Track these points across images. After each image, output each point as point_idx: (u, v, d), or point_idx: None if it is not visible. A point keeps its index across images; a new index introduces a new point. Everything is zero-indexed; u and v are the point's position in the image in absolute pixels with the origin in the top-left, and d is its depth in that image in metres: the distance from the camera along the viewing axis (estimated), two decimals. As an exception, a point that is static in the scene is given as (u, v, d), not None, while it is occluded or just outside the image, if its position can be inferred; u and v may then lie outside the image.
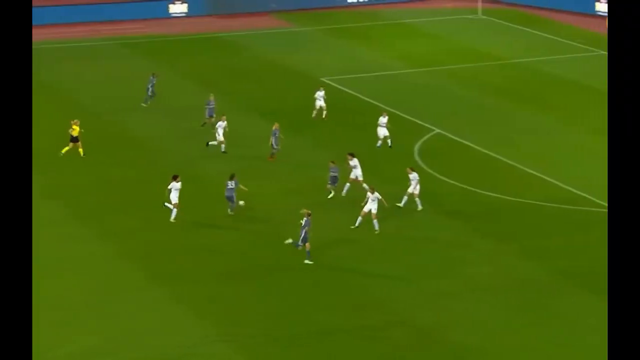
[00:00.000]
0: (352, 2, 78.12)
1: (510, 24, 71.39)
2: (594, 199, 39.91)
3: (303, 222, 34.28)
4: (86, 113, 49.28)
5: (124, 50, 64.48)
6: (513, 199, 40.16)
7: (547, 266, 34.41)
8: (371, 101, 53.15)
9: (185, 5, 73.98)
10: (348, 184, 40.07)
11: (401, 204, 38.67)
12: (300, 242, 34.38)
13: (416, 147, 46.03)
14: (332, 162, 40.12)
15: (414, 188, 38.62)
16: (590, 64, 61.39)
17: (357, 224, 37.13)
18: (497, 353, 29.26)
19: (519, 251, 35.55)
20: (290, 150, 44.84)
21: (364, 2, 78.30)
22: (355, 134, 47.35)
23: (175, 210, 37.76)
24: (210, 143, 44.96)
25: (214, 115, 47.21)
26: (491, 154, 45.35)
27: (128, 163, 44.39)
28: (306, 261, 34.31)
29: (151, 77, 51.91)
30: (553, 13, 74.07)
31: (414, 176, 38.72)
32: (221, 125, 44.99)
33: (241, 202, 38.55)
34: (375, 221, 36.81)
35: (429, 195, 40.47)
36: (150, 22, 71.49)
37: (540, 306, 31.75)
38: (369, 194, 37.18)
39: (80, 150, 44.36)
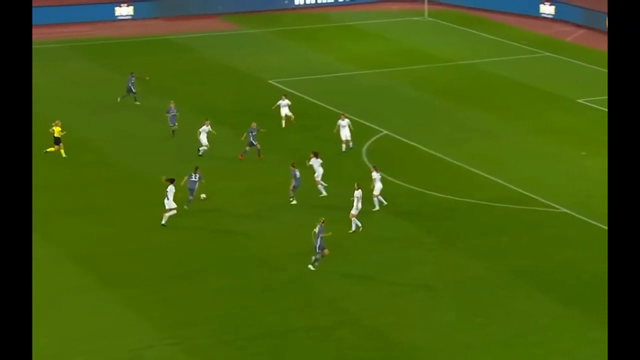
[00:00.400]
0: (300, 5, 78.18)
1: (456, 26, 71.91)
2: (540, 199, 40.34)
3: (317, 230, 33.80)
4: (35, 115, 48.76)
5: (71, 53, 64.02)
6: (461, 199, 40.47)
7: (496, 266, 34.71)
8: (319, 103, 53.25)
9: (132, 7, 73.58)
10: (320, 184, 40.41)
11: (375, 208, 38.84)
12: (318, 251, 33.81)
13: (364, 149, 46.21)
14: (293, 165, 40.00)
15: (375, 188, 38.81)
16: (534, 65, 62.04)
17: (354, 229, 37.02)
18: (447, 353, 29.43)
19: (468, 251, 35.82)
20: (238, 151, 44.82)
21: (311, 4, 78.40)
22: (302, 135, 47.40)
23: (170, 213, 37.51)
24: (201, 149, 44.62)
25: (176, 123, 46.88)
26: (438, 154, 45.66)
27: (77, 164, 44.11)
28: (310, 267, 33.96)
29: (130, 77, 52.26)
30: (498, 15, 74.70)
31: (376, 175, 38.90)
32: (205, 130, 44.65)
33: (203, 195, 38.49)
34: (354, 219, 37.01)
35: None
36: (96, 24, 71.01)
37: (490, 306, 32.01)
38: (355, 192, 37.14)
39: (62, 151, 44.28)
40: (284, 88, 56.07)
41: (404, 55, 64.15)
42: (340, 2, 79.11)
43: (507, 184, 41.91)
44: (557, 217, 38.89)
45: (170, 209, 37.55)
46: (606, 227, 37.72)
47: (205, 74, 59.32)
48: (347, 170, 43.17)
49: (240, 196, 40.65)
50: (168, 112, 47.27)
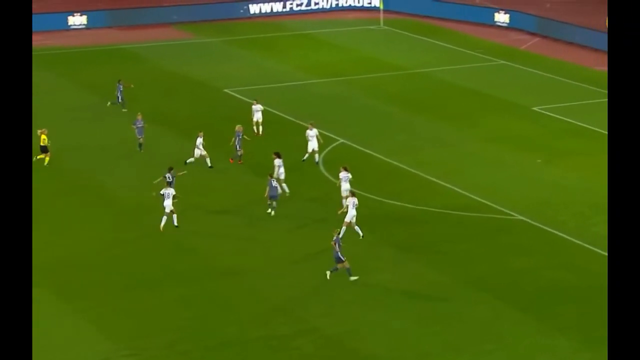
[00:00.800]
0: (255, 13, 78.24)
1: (411, 35, 72.31)
2: (496, 206, 40.61)
3: (334, 242, 33.67)
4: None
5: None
6: (417, 207, 40.65)
7: (453, 273, 34.88)
8: (275, 112, 53.25)
9: (85, 17, 73.22)
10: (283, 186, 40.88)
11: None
12: (336, 266, 33.73)
13: (320, 157, 46.28)
14: (270, 174, 40.06)
15: (342, 189, 39.25)
16: (490, 73, 62.53)
17: (361, 234, 37.24)
18: (404, 360, 29.58)
19: (425, 259, 35.97)
20: (196, 160, 44.74)
21: (266, 13, 78.48)
22: (259, 144, 47.35)
23: (173, 217, 38.04)
24: (188, 161, 44.31)
25: (143, 135, 46.51)
26: (395, 162, 45.85)
27: (34, 175, 43.68)
28: (352, 278, 33.78)
29: (118, 85, 52.52)
30: (453, 23, 75.25)
31: (344, 175, 39.40)
32: (200, 142, 44.20)
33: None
34: (357, 227, 37.13)
35: (335, 204, 40.78)
36: (49, 34, 70.57)
37: (447, 313, 32.16)
38: (349, 199, 37.24)
39: (47, 159, 44.27)
40: (240, 97, 56.13)
41: (360, 63, 64.41)
42: (295, 10, 79.28)
43: (463, 192, 42.17)
44: (514, 224, 39.18)
45: (170, 212, 38.07)
46: (561, 234, 38.12)
47: (160, 84, 59.16)
48: (305, 178, 43.22)
49: (197, 207, 40.51)
50: (135, 124, 46.73)
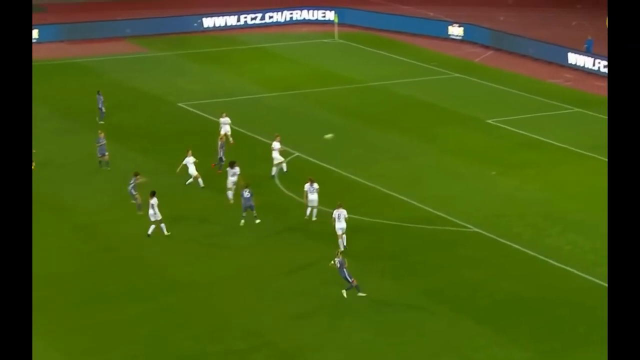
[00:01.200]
0: (209, 27, 78.22)
1: (366, 48, 72.66)
2: (452, 219, 40.87)
3: (337, 263, 33.66)
4: None
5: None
6: (373, 220, 40.82)
7: (409, 286, 35.04)
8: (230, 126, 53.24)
9: (36, 31, 72.75)
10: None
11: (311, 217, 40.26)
12: (349, 284, 33.65)
13: (276, 171, 46.32)
14: (246, 185, 40.39)
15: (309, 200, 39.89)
16: (444, 86, 62.98)
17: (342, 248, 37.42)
18: (361, 373, 29.68)
19: (381, 271, 36.12)
20: (153, 174, 44.51)
21: (220, 27, 78.49)
22: (214, 159, 47.29)
23: (161, 225, 38.58)
24: (188, 182, 43.97)
25: (106, 153, 46.20)
26: (351, 176, 46.02)
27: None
28: (360, 294, 33.75)
29: (98, 96, 52.82)
30: (408, 37, 75.73)
31: (308, 187, 39.87)
32: (189, 161, 43.71)
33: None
34: (344, 237, 37.57)
35: (290, 218, 40.91)
36: (0, 48, 70.00)
37: (404, 326, 32.29)
38: (335, 210, 37.65)
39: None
40: (194, 111, 56.10)
41: (315, 77, 64.61)
42: (250, 24, 79.37)
43: (419, 204, 42.41)
44: (469, 236, 39.46)
45: (157, 220, 38.40)
46: (516, 246, 38.45)
47: (115, 98, 58.88)
48: (259, 192, 43.27)
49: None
50: (97, 142, 46.42)
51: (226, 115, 49.80)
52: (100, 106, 53.13)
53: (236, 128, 52.62)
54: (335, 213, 37.81)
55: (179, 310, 33.31)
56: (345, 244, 37.60)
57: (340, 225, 37.69)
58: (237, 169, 42.47)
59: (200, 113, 55.92)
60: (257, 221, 40.05)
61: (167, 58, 69.31)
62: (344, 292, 33.80)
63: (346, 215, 37.68)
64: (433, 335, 31.70)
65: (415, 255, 37.66)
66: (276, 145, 45.50)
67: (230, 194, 42.31)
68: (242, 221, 40.07)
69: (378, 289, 34.68)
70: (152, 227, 38.64)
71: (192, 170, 43.76)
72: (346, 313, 33.01)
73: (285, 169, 45.73)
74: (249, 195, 39.94)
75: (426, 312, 33.12)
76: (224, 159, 45.52)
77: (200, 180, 43.69)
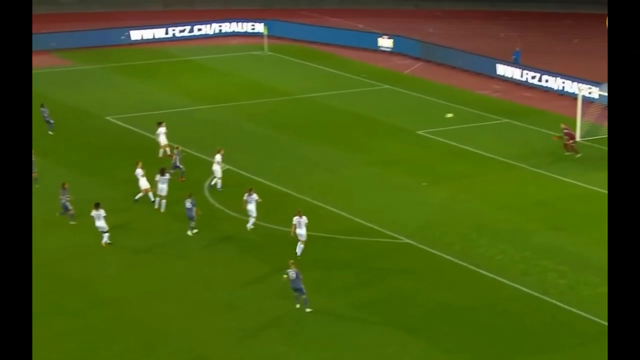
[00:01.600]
0: (137, 40, 77.85)
1: (296, 60, 72.89)
2: (383, 230, 41.11)
3: (291, 274, 33.44)
4: None
5: None
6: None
7: (341, 298, 35.16)
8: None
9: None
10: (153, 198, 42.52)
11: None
12: (304, 298, 33.61)
13: (206, 184, 46.28)
14: (190, 195, 40.63)
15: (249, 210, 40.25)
16: (374, 97, 63.39)
17: (299, 253, 37.79)
18: (294, 386, 29.69)
19: (313, 284, 36.12)
20: (81, 190, 44.09)
21: (149, 39, 78.16)
22: (146, 172, 47.04)
23: (105, 235, 38.98)
24: (137, 197, 43.69)
25: (35, 169, 45.71)
26: (281, 188, 46.08)
27: None
28: (307, 310, 33.69)
29: (42, 109, 53.00)
30: (338, 49, 76.12)
31: (247, 197, 40.25)
32: (139, 173, 43.31)
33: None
34: (302, 246, 37.78)
35: (219, 232, 40.84)
36: None
37: (337, 338, 32.37)
38: (296, 217, 37.85)
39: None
40: (123, 124, 55.76)
41: (245, 89, 64.64)
42: (178, 37, 79.16)
43: (350, 216, 42.60)
44: (401, 247, 39.73)
45: (105, 230, 38.83)
46: (447, 256, 38.80)
47: (40, 112, 58.28)
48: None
49: (86, 235, 40.06)
50: None
51: (164, 125, 49.78)
52: (46, 118, 53.16)
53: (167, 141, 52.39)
54: (296, 219, 38.05)
55: (109, 326, 33.03)
56: (300, 252, 37.89)
57: (301, 232, 37.93)
58: (167, 176, 42.80)
59: (129, 127, 55.61)
60: (195, 231, 40.19)
61: (94, 71, 68.82)
62: (306, 308, 33.73)
63: (306, 222, 38.00)
64: (366, 347, 31.83)
65: (347, 267, 37.79)
66: (218, 158, 45.55)
67: (157, 201, 42.81)
68: (189, 232, 40.23)
69: (310, 302, 34.70)
70: (106, 236, 39.03)
71: (143, 183, 43.44)
72: (279, 327, 33.02)
73: (219, 186, 45.55)
74: (190, 206, 39.96)
75: (358, 324, 33.25)
76: (181, 166, 46.17)
77: (150, 194, 43.39)
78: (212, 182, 45.77)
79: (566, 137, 51.86)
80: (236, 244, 39.74)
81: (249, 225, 40.74)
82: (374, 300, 35.00)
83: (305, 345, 31.91)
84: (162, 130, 49.94)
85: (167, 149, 49.59)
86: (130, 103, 60.72)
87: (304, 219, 38.20)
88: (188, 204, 40.15)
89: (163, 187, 42.66)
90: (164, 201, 42.81)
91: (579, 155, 51.26)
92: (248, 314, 33.79)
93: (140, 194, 43.49)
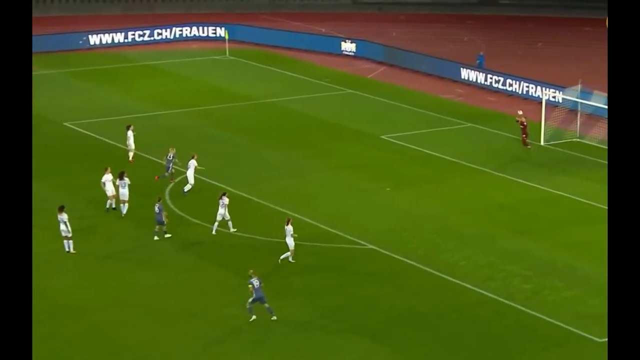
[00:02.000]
0: (96, 44, 77.60)
1: (258, 64, 72.92)
2: (347, 236, 41.23)
3: (255, 283, 33.34)
4: None
5: None
6: (267, 239, 40.94)
7: (304, 305, 35.23)
8: (119, 145, 52.92)
9: None
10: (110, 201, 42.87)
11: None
12: (267, 306, 33.54)
13: (167, 190, 46.22)
14: (158, 199, 40.89)
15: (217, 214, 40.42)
16: (338, 102, 63.55)
17: (282, 257, 38.18)
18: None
19: (277, 291, 36.19)
20: (39, 197, 43.80)
21: (107, 44, 77.93)
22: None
23: (69, 242, 39.02)
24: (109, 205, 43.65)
25: None
26: (243, 194, 46.09)
27: None
28: (273, 318, 33.63)
29: None
30: (300, 53, 76.25)
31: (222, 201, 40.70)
32: (107, 179, 43.15)
33: None
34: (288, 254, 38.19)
35: (180, 239, 40.80)
36: None
37: (301, 345, 32.45)
38: (285, 227, 38.25)
39: None
40: (81, 130, 55.57)
41: (206, 94, 64.60)
42: (138, 41, 78.98)
43: (313, 222, 42.69)
44: (364, 253, 39.87)
45: (68, 237, 38.79)
46: (410, 262, 38.99)
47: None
48: (149, 211, 43.13)
49: (47, 241, 39.88)
50: None
51: (132, 129, 50.25)
52: None
53: (124, 147, 52.28)
54: (286, 229, 38.25)
55: (71, 335, 32.93)
56: (291, 259, 38.32)
57: (288, 241, 38.13)
58: (126, 180, 42.87)
59: (88, 132, 55.43)
60: (167, 235, 40.43)
61: (52, 76, 68.52)
62: (272, 317, 33.72)
63: (292, 231, 38.23)
64: (329, 355, 31.93)
65: (310, 273, 37.88)
66: (192, 163, 45.85)
67: (122, 206, 42.86)
68: (155, 237, 40.32)
69: (277, 309, 34.73)
70: (67, 242, 38.94)
71: (109, 188, 43.24)
72: (242, 335, 33.05)
73: (186, 191, 45.65)
74: (158, 211, 40.10)
75: (321, 332, 33.34)
76: (170, 167, 46.77)
77: (112, 201, 43.29)
78: (187, 189, 45.78)
79: (521, 127, 52.76)
80: (197, 251, 39.73)
81: (213, 230, 40.86)
82: (338, 307, 35.11)
83: (268, 353, 31.97)
84: (130, 133, 50.16)
85: (130, 154, 49.62)
86: (89, 108, 60.51)
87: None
88: (156, 208, 40.17)
89: (124, 192, 42.67)
90: (126, 205, 42.87)
91: (529, 147, 52.01)
92: (211, 322, 33.79)
93: (110, 202, 43.30)
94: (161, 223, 40.43)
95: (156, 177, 46.53)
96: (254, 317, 33.59)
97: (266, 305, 33.64)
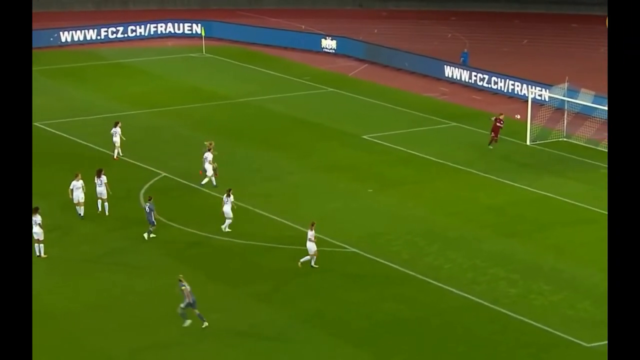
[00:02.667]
0: (67, 42, 77.38)
1: (235, 62, 72.88)
2: (328, 239, 41.20)
3: (187, 288, 33.19)
4: None
5: None
6: (246, 242, 40.93)
7: (285, 309, 35.24)
8: (91, 145, 52.81)
9: None
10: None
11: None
12: (197, 313, 33.42)
13: (141, 193, 46.11)
14: (149, 198, 41.09)
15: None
16: (318, 101, 63.59)
17: (302, 261, 37.93)
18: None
19: (256, 295, 36.23)
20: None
21: (79, 41, 77.71)
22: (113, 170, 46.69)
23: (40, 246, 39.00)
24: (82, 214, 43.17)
25: None
26: (221, 196, 45.97)
27: None
28: (205, 324, 33.50)
29: None
30: (280, 50, 76.25)
31: (225, 198, 41.24)
32: (77, 185, 42.46)
33: None
34: (314, 258, 38.03)
35: (156, 241, 40.70)
36: None
37: (281, 351, 32.48)
38: (308, 231, 38.01)
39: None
40: (52, 130, 55.40)
41: (182, 93, 64.50)
42: (111, 38, 78.80)
43: (293, 225, 42.68)
44: (346, 257, 39.88)
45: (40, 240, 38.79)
46: (394, 265, 39.04)
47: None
48: (123, 212, 43.05)
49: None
50: None
51: (119, 125, 50.64)
52: None
53: (98, 148, 52.20)
54: (308, 233, 38.17)
55: (42, 342, 32.72)
56: (313, 263, 38.22)
57: (309, 246, 38.07)
58: (103, 178, 43.01)
59: (59, 133, 55.25)
60: (152, 236, 40.64)
61: (22, 75, 68.18)
62: (203, 324, 33.63)
63: (313, 235, 38.09)
64: (311, 359, 31.98)
65: (291, 277, 37.87)
66: (208, 156, 46.55)
67: (105, 205, 43.16)
68: (145, 235, 40.65)
69: (252, 314, 34.78)
70: (38, 246, 38.91)
71: (79, 195, 42.56)
72: (218, 340, 33.00)
73: (215, 183, 46.72)
74: (149, 211, 40.18)
75: (302, 337, 33.35)
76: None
77: (79, 208, 42.85)
78: (208, 180, 46.68)
79: (498, 125, 52.90)
80: (174, 255, 39.64)
81: (226, 229, 41.42)
82: (318, 312, 35.11)
83: (246, 357, 31.94)
84: (117, 130, 50.40)
85: (117, 152, 50.18)
86: (60, 108, 60.34)
87: (311, 233, 38.10)
88: (147, 207, 40.16)
89: (101, 190, 42.62)
90: (106, 204, 42.98)
91: (490, 147, 52.25)
92: (188, 328, 33.68)
93: (79, 209, 43.03)
94: (151, 224, 40.26)
95: (200, 172, 47.21)
96: (188, 321, 33.34)
97: (196, 311, 33.39)
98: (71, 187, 42.72)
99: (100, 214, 43.19)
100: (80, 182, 42.74)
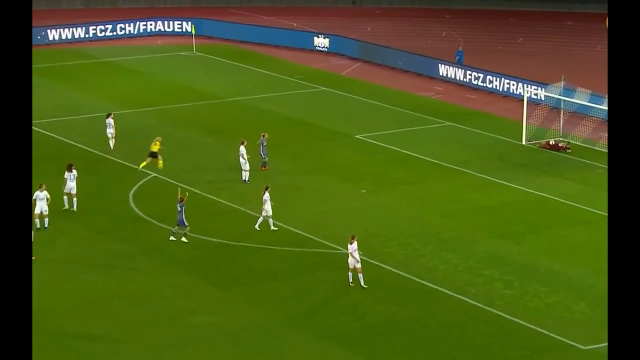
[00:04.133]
0: (54, 40, 77.41)
1: (227, 61, 72.96)
2: (321, 240, 41.31)
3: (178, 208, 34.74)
4: None
5: None
6: (238, 243, 41.00)
7: (278, 311, 35.31)
8: (79, 146, 52.86)
9: None
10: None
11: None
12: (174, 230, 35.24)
13: (131, 193, 46.18)
14: (181, 199, 41.05)
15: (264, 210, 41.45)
16: (310, 100, 63.69)
17: (351, 281, 37.01)
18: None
19: (248, 297, 36.31)
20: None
21: (67, 39, 77.76)
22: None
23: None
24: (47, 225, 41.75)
25: None
26: (212, 197, 46.13)
27: None
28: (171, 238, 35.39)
29: None
30: (271, 49, 76.36)
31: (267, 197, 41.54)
32: (40, 196, 40.78)
33: None
34: (360, 275, 36.84)
35: (145, 243, 40.76)
36: None
37: (273, 353, 32.52)
38: (349, 245, 36.99)
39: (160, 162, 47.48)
40: (39, 130, 55.40)
41: (172, 92, 64.56)
42: (100, 37, 78.86)
43: (285, 226, 42.76)
44: (339, 258, 39.91)
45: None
46: (388, 267, 39.14)
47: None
48: (112, 215, 43.08)
49: None
50: None
51: (112, 117, 51.28)
52: None
53: (86, 148, 52.24)
54: (349, 247, 37.06)
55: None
56: (362, 281, 36.97)
57: (350, 261, 36.94)
58: (74, 172, 43.13)
59: (47, 132, 55.28)
60: (183, 240, 40.56)
61: (9, 74, 68.21)
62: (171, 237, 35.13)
63: (356, 248, 36.79)
64: (303, 363, 32.07)
65: (283, 279, 37.96)
66: (243, 150, 47.52)
67: (66, 199, 43.39)
68: (171, 237, 40.69)
69: (246, 316, 34.85)
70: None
71: (43, 206, 40.92)
72: (209, 343, 33.07)
73: (246, 179, 47.67)
74: (180, 209, 40.33)
75: (295, 340, 33.42)
76: (263, 155, 48.94)
77: (46, 220, 41.46)
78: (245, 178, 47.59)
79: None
80: (162, 256, 39.68)
81: (272, 227, 41.91)
82: (311, 314, 35.20)
83: (236, 359, 32.08)
84: (110, 121, 51.09)
85: (113, 141, 50.90)
86: (47, 108, 60.32)
87: (353, 246, 36.83)
88: (178, 207, 40.36)
89: (72, 185, 42.81)
90: (74, 199, 43.26)
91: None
92: (176, 330, 33.79)
93: (37, 220, 41.45)
94: (178, 223, 40.31)
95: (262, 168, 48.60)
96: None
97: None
98: (34, 197, 40.22)
99: (67, 210, 43.13)
100: (45, 192, 40.95)
